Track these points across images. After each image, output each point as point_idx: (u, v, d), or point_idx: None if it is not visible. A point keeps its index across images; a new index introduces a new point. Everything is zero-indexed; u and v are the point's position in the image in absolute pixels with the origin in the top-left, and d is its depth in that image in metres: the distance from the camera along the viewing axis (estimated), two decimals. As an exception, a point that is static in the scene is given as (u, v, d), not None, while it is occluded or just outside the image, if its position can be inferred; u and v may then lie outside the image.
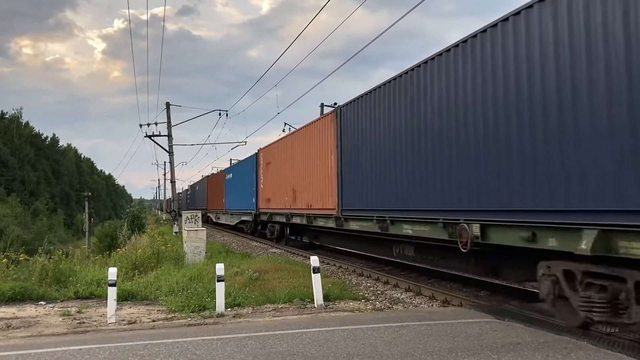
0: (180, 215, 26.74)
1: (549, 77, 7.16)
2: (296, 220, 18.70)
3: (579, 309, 6.97)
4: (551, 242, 7.17)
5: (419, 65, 10.39)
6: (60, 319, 8.84)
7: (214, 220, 42.84)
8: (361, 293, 11.09)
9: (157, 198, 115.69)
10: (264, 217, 24.44)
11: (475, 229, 8.52)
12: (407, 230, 10.84)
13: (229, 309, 9.26)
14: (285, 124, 32.73)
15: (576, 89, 6.73)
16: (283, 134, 26.10)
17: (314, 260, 9.78)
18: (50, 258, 12.05)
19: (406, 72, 10.83)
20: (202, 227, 18.56)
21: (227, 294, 9.58)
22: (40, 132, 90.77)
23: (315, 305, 9.50)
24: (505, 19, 8.05)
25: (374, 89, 12.24)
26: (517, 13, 7.80)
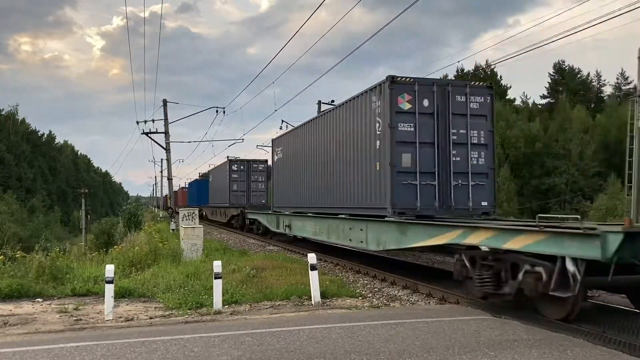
0: (177, 213, 26.72)
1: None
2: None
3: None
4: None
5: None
6: (58, 316, 8.82)
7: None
8: (358, 290, 11.11)
9: (154, 195, 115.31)
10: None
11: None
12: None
13: (226, 306, 9.26)
14: (283, 121, 32.70)
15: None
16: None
17: (312, 258, 9.79)
18: (47, 255, 12.02)
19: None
20: (199, 224, 18.56)
21: (225, 291, 9.58)
22: (37, 129, 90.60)
23: (313, 303, 9.51)
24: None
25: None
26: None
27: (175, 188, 73.62)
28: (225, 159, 36.35)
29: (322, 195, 16.55)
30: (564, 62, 66.52)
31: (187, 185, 70.54)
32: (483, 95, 12.61)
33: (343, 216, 14.62)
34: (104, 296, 8.83)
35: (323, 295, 9.86)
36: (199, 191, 50.55)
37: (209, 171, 48.42)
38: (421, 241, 10.62)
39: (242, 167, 34.75)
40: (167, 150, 33.16)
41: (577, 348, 6.12)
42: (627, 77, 63.96)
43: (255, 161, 35.70)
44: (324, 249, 18.45)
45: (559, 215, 8.40)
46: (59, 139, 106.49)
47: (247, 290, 10.43)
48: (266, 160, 35.43)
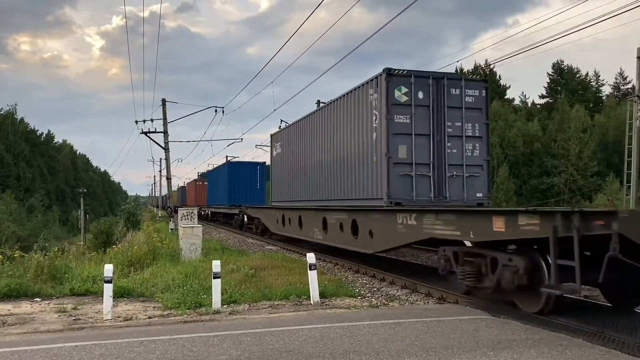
0: (176, 212, 26.73)
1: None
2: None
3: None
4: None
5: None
6: (56, 315, 8.81)
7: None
8: (357, 290, 11.10)
9: (153, 195, 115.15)
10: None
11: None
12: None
13: (225, 306, 9.25)
14: (282, 120, 32.32)
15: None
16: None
17: (310, 257, 9.78)
18: (45, 255, 12.00)
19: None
20: (198, 223, 18.55)
21: (223, 291, 9.57)
22: (36, 129, 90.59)
23: (312, 302, 9.50)
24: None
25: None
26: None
27: (175, 188, 73.13)
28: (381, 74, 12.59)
29: None
30: (562, 62, 66.66)
31: (203, 177, 52.85)
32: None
33: None
34: (102, 296, 8.82)
35: (322, 294, 9.86)
36: (233, 182, 34.15)
37: (276, 133, 23.42)
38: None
39: (420, 93, 12.53)
40: (166, 149, 33.15)
41: (576, 348, 6.12)
42: (626, 77, 64.13)
43: (453, 78, 13.37)
44: (322, 249, 18.36)
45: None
46: (58, 139, 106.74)
47: (245, 290, 10.42)
48: (485, 80, 14.23)
